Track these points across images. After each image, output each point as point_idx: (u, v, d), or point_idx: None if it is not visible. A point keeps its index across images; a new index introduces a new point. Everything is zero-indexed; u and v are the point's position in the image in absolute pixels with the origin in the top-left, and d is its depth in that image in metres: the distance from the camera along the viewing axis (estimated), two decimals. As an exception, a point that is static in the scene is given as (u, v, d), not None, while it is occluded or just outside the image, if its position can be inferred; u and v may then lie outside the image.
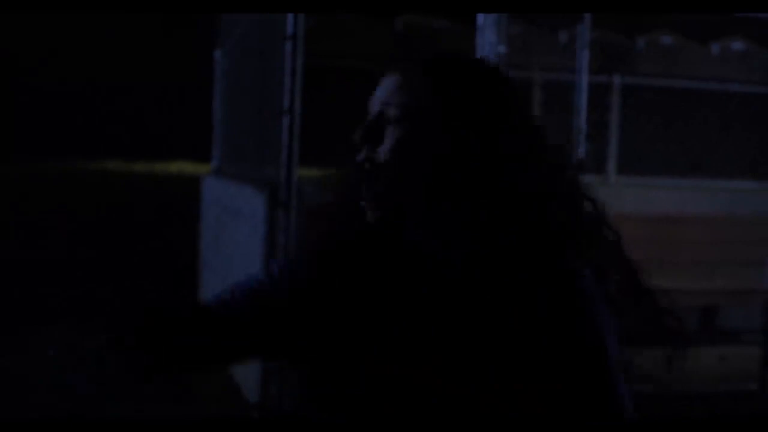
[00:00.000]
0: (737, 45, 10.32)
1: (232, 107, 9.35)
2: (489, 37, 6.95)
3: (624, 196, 9.94)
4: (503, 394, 1.90)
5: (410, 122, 1.95)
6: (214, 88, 9.97)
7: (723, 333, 10.00)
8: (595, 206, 2.09)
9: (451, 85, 1.95)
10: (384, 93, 1.99)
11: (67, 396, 7.42)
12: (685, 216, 9.98)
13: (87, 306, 10.26)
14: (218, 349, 2.05)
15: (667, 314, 2.11)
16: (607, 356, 1.97)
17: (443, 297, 1.93)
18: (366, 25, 8.99)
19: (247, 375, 7.23)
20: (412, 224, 1.97)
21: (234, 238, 8.26)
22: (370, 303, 1.96)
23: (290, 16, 6.87)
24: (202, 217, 9.92)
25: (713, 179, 10.31)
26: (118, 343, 2.03)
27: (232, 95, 9.37)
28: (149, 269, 11.81)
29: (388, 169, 1.95)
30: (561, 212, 1.98)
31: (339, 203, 2.07)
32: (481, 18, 6.65)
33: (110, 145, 23.61)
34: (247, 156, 8.50)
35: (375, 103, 2.00)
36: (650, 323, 2.09)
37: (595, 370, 1.96)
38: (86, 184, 19.92)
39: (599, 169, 10.05)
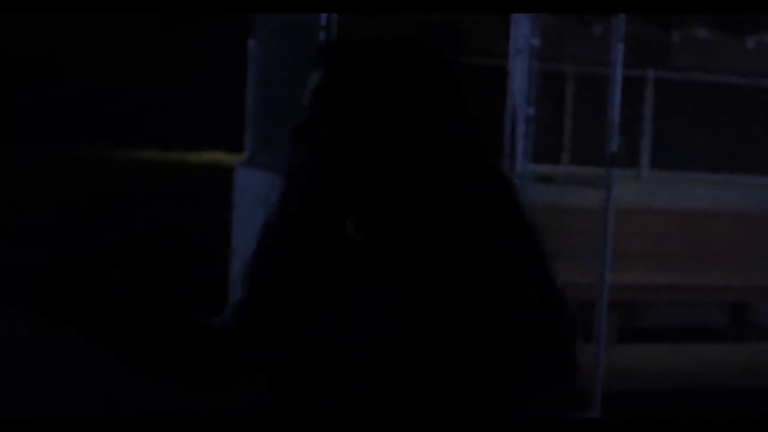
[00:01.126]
0: (773, 39, 10.26)
1: (265, 97, 9.35)
2: (523, 29, 6.94)
3: (657, 191, 9.90)
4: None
5: (314, 122, 1.98)
6: (247, 77, 9.98)
7: (756, 329, 9.96)
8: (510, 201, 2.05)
9: (332, 84, 1.97)
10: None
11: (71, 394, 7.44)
12: (718, 211, 9.93)
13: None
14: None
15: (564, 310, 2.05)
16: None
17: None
18: (400, 17, 8.98)
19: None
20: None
21: (265, 227, 8.25)
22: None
23: (324, 7, 6.87)
24: (234, 207, 9.94)
25: (747, 175, 10.26)
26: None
27: (265, 85, 9.38)
28: (180, 257, 11.84)
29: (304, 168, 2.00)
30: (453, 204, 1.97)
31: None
32: (515, 10, 6.63)
33: (145, 135, 23.72)
34: (280, 146, 8.51)
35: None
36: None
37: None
38: (120, 171, 20.01)
39: (632, 163, 10.01)
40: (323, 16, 6.96)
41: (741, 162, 10.26)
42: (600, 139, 7.27)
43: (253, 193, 9.19)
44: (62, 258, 2.05)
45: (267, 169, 8.74)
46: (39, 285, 1.99)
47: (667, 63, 10.19)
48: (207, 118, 23.16)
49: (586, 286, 7.18)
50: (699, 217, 9.86)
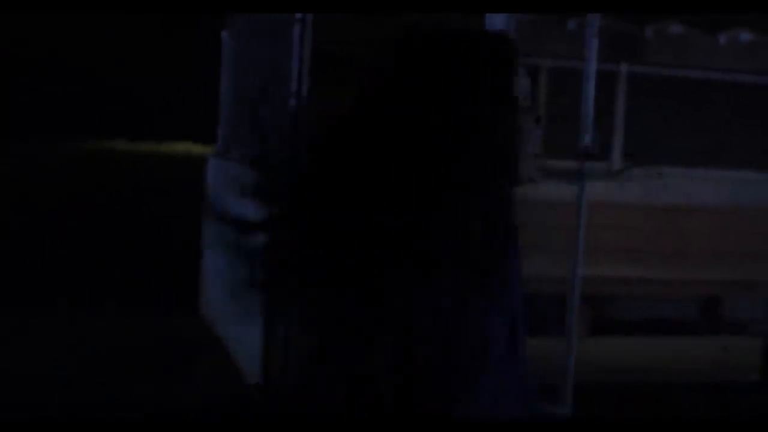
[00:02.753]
0: (745, 36, 10.30)
1: (239, 88, 9.34)
2: (498, 24, 6.94)
3: (629, 186, 9.93)
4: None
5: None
6: (221, 69, 9.96)
7: (727, 323, 10.01)
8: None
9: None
10: None
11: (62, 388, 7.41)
12: (691, 206, 9.97)
13: (92, 286, 10.26)
14: None
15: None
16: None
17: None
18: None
19: (247, 356, 7.25)
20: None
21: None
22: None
23: None
24: (206, 197, 9.92)
25: (719, 169, 10.30)
26: None
27: (239, 77, 9.36)
28: (152, 248, 11.82)
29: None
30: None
31: None
32: (490, 4, 6.64)
33: (118, 125, 23.63)
34: (252, 137, 8.49)
35: None
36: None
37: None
38: (92, 163, 19.91)
39: (605, 158, 10.04)
40: (298, 9, 6.94)
41: (713, 157, 10.30)
42: (573, 132, 7.30)
43: (225, 183, 9.17)
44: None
45: (238, 161, 8.73)
46: None
47: (641, 58, 10.23)
48: (181, 110, 23.09)
49: (558, 280, 7.21)
50: (671, 212, 9.91)
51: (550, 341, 7.74)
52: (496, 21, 6.90)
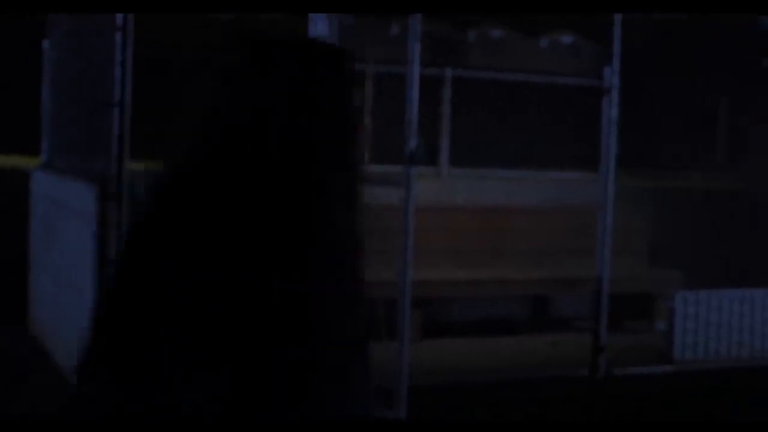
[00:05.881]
0: (566, 38, 10.51)
1: (61, 99, 9.17)
2: (321, 29, 6.95)
3: (456, 188, 10.05)
4: None
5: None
6: (42, 79, 9.76)
7: (556, 320, 10.19)
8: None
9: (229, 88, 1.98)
10: None
11: None
12: (516, 206, 10.14)
13: None
14: None
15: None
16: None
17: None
18: (196, 16, 8.91)
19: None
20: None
21: (65, 233, 8.11)
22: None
23: (120, 7, 6.77)
24: (32, 213, 9.72)
25: (542, 170, 10.48)
26: None
27: (61, 87, 9.20)
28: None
29: None
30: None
31: None
32: (313, 10, 6.64)
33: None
34: (77, 149, 8.36)
35: None
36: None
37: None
38: None
39: (432, 162, 10.13)
40: (119, 16, 6.85)
41: (536, 158, 10.48)
42: (399, 138, 7.35)
43: (51, 197, 9.00)
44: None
45: (64, 173, 8.58)
46: None
47: (464, 62, 10.35)
48: (5, 122, 22.55)
49: (389, 284, 7.25)
50: (497, 213, 10.05)
51: (383, 345, 7.78)
52: (319, 25, 6.91)
